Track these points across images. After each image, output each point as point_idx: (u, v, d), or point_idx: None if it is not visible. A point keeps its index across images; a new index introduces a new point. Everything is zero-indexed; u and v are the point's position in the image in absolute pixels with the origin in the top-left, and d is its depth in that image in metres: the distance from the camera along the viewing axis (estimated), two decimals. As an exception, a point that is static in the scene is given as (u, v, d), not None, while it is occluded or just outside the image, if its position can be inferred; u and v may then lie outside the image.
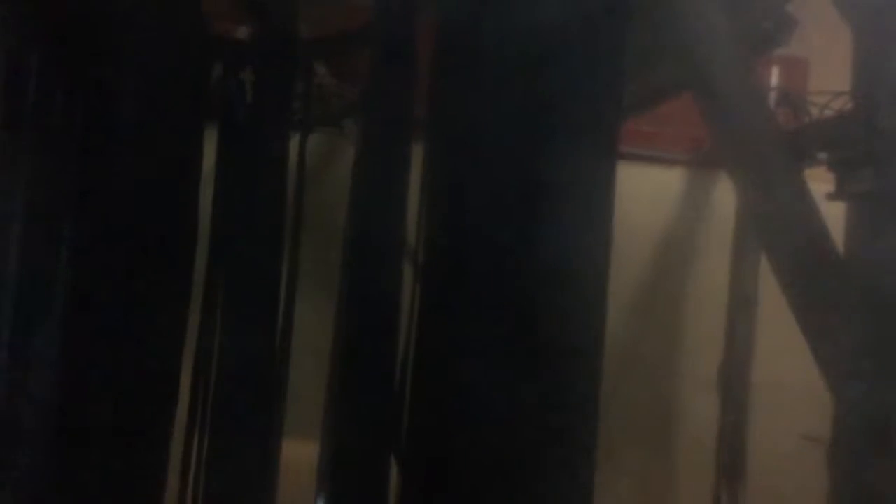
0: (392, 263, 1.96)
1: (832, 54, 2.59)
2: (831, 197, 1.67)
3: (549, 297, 1.53)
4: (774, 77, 3.54)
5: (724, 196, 3.56)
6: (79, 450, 1.99)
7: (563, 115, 1.57)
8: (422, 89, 1.82)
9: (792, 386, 3.39)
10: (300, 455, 2.14)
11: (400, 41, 1.94)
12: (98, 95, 2.00)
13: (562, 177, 1.55)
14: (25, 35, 2.06)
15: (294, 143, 2.32)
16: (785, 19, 2.08)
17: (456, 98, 1.69)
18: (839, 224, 1.74)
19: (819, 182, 2.09)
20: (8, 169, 2.02)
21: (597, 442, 1.54)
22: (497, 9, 1.62)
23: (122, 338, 2.03)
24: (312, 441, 2.10)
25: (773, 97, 3.32)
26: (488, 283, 1.57)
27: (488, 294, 1.56)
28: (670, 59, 1.87)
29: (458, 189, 1.65)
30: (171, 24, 2.08)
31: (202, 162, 2.21)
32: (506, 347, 1.54)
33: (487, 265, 1.57)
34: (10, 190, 1.99)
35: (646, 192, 3.94)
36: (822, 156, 2.50)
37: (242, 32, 2.48)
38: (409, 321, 1.77)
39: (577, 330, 1.55)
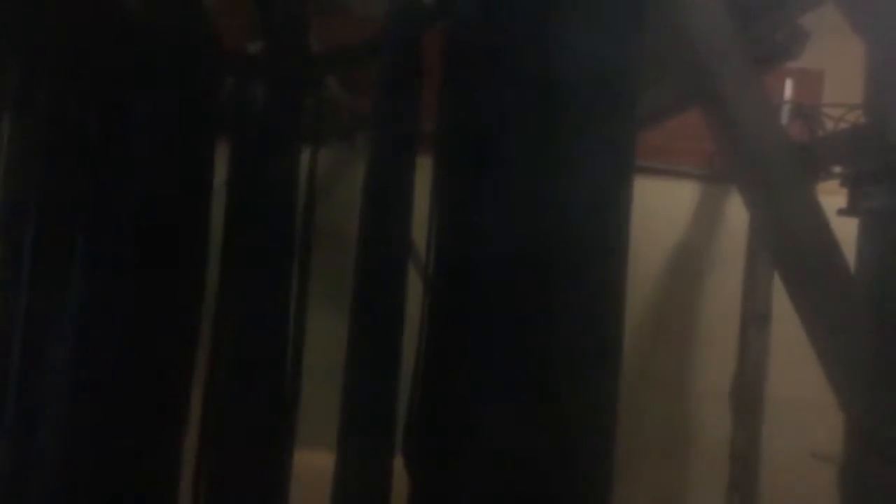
0: (399, 276, 1.97)
1: (847, 66, 2.58)
2: (843, 213, 1.66)
3: (562, 311, 1.52)
4: (788, 89, 3.52)
5: (738, 210, 3.53)
6: (89, 460, 2.00)
7: (577, 129, 1.57)
8: (432, 102, 1.82)
9: (805, 402, 3.35)
10: (320, 466, 2.14)
11: (406, 55, 1.94)
12: (110, 110, 2.02)
13: (576, 190, 1.54)
14: (39, 51, 2.08)
15: (305, 156, 2.32)
16: (797, 31, 2.07)
17: (466, 111, 1.69)
18: (851, 240, 1.72)
19: (831, 195, 2.07)
20: (21, 184, 2.05)
21: (614, 456, 1.53)
22: (508, 23, 1.62)
23: (133, 352, 2.04)
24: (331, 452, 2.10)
25: (787, 110, 3.31)
26: (499, 296, 1.56)
27: (499, 307, 1.56)
28: (680, 72, 1.86)
29: (469, 202, 1.65)
30: (184, 40, 2.09)
31: (214, 176, 2.22)
32: (517, 359, 1.53)
33: (498, 278, 1.57)
34: (24, 204, 2.02)
35: (658, 206, 3.93)
36: (838, 169, 2.48)
37: (254, 48, 2.49)
38: (419, 333, 1.77)
39: (594, 344, 1.54)
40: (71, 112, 2.05)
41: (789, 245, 1.55)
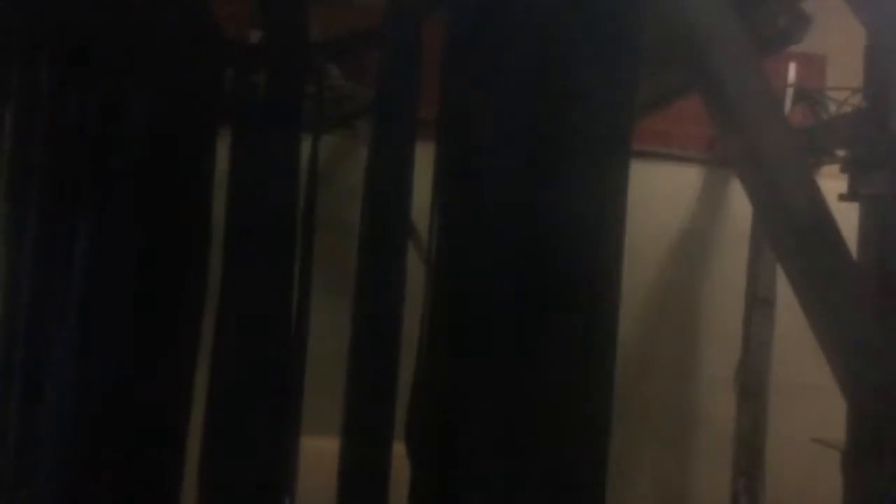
0: (400, 262, 1.98)
1: (851, 49, 2.56)
2: (844, 198, 1.65)
3: (560, 296, 1.54)
4: (791, 73, 3.51)
5: (741, 195, 3.52)
6: (94, 454, 2.02)
7: (576, 114, 1.57)
8: (433, 89, 1.82)
9: (810, 386, 3.36)
10: (326, 451, 2.16)
11: (407, 43, 1.94)
12: (111, 100, 2.03)
13: (574, 176, 1.55)
14: (39, 42, 2.08)
15: (306, 144, 2.32)
16: (799, 16, 2.06)
17: (467, 98, 1.70)
18: (852, 225, 1.71)
19: (833, 179, 2.06)
20: (21, 175, 2.06)
21: (610, 437, 1.55)
22: (508, 9, 1.62)
23: (136, 340, 2.05)
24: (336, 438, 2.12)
25: (789, 94, 3.29)
26: (500, 279, 1.58)
27: (500, 291, 1.57)
28: (679, 58, 1.86)
29: (469, 188, 1.66)
30: (184, 29, 2.10)
31: (215, 164, 2.23)
32: (516, 344, 1.55)
33: (499, 262, 1.58)
34: (24, 194, 2.03)
35: (662, 191, 3.92)
36: (842, 153, 2.47)
37: (254, 36, 2.49)
38: (422, 319, 1.78)
39: (591, 329, 1.55)
40: (72, 102, 2.06)
41: (789, 232, 1.55)
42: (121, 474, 2.06)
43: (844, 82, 2.92)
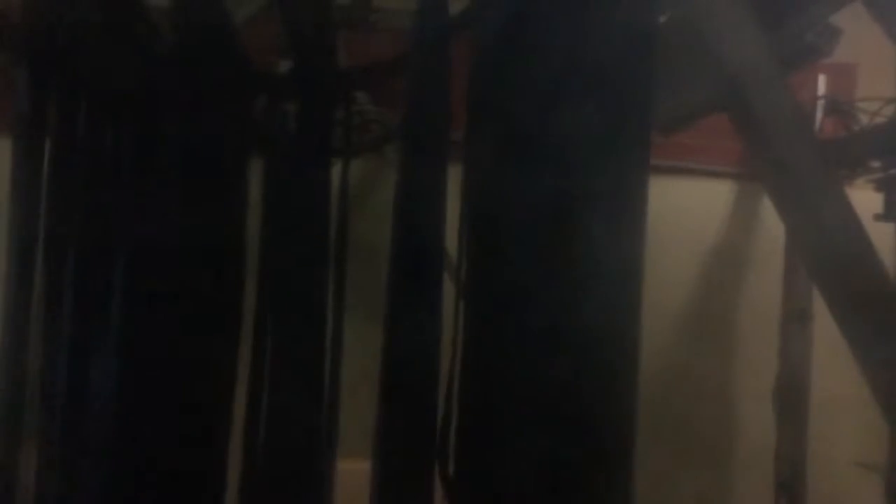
0: (433, 285, 1.98)
1: (882, 58, 2.53)
2: (879, 218, 1.61)
3: (584, 311, 1.54)
4: (822, 85, 3.47)
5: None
6: (133, 478, 2.04)
7: (600, 134, 1.58)
8: (461, 111, 1.84)
9: (851, 399, 3.30)
10: (358, 473, 2.17)
11: (434, 66, 1.96)
12: (144, 133, 2.07)
13: (599, 195, 1.56)
14: (73, 75, 2.14)
15: (336, 169, 2.35)
16: (828, 30, 2.04)
17: (492, 119, 1.72)
18: (888, 245, 1.68)
19: (865, 191, 2.03)
20: (58, 206, 2.11)
21: (634, 456, 1.55)
22: (533, 33, 1.64)
23: (174, 367, 2.08)
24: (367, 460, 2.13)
25: (820, 106, 3.26)
26: (526, 298, 1.58)
27: (527, 311, 1.58)
28: (708, 75, 1.85)
29: (496, 207, 1.67)
30: (215, 61, 2.14)
31: (249, 191, 2.26)
32: (548, 363, 1.55)
33: (524, 281, 1.59)
34: (61, 226, 2.08)
35: (695, 206, 3.90)
36: (876, 164, 2.43)
37: (284, 66, 2.53)
38: (453, 340, 1.78)
39: (617, 346, 1.56)
40: (107, 135, 2.11)
41: (823, 253, 1.53)
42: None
43: (876, 91, 2.89)
